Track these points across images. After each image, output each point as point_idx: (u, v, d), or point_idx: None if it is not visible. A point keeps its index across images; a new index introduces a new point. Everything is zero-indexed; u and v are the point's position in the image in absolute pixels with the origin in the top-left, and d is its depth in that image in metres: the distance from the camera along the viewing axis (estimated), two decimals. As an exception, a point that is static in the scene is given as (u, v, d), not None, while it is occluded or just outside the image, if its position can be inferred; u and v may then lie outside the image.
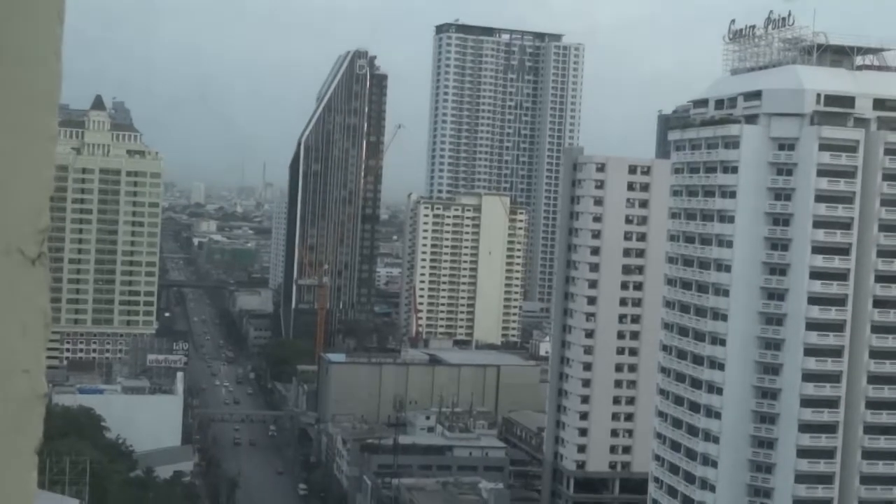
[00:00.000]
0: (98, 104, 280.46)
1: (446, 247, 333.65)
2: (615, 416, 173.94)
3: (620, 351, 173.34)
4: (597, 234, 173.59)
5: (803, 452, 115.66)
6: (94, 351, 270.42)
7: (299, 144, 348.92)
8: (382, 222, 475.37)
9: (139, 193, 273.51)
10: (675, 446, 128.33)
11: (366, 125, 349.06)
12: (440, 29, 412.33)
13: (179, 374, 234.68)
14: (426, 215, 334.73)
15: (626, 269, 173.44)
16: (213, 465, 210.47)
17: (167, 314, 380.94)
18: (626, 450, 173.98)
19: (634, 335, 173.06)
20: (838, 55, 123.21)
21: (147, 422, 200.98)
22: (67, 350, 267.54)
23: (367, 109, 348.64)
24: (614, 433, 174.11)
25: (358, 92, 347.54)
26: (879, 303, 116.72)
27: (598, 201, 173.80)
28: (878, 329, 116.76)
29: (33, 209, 2.73)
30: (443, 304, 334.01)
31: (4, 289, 2.63)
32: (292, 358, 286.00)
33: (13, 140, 2.68)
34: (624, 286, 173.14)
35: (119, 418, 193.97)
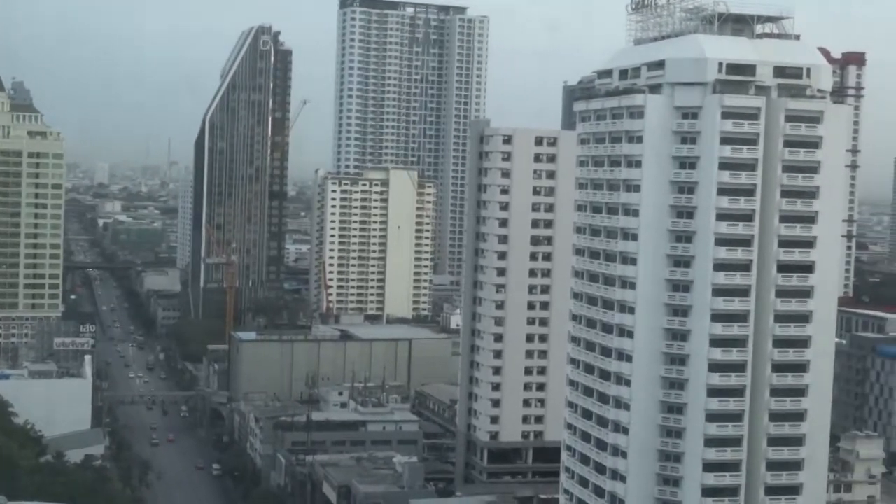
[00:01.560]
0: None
1: (355, 222, 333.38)
2: (527, 387, 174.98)
3: (531, 322, 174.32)
4: (505, 207, 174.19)
5: (712, 416, 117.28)
6: (0, 335, 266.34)
7: (204, 122, 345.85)
8: (290, 199, 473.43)
9: (41, 175, 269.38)
10: (587, 414, 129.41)
11: (271, 101, 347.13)
12: (344, 3, 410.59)
13: (87, 357, 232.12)
14: (334, 191, 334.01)
15: (535, 241, 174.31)
16: (125, 447, 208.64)
17: (73, 297, 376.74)
18: (539, 419, 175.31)
19: (545, 306, 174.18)
20: (739, 24, 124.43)
21: (56, 406, 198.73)
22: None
23: (272, 85, 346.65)
24: (527, 403, 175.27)
25: (262, 68, 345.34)
26: (783, 267, 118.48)
27: (506, 173, 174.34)
28: (783, 293, 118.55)
29: None
30: (353, 280, 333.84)
31: None
32: (202, 337, 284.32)
33: None
34: (533, 257, 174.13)
35: (27, 403, 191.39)
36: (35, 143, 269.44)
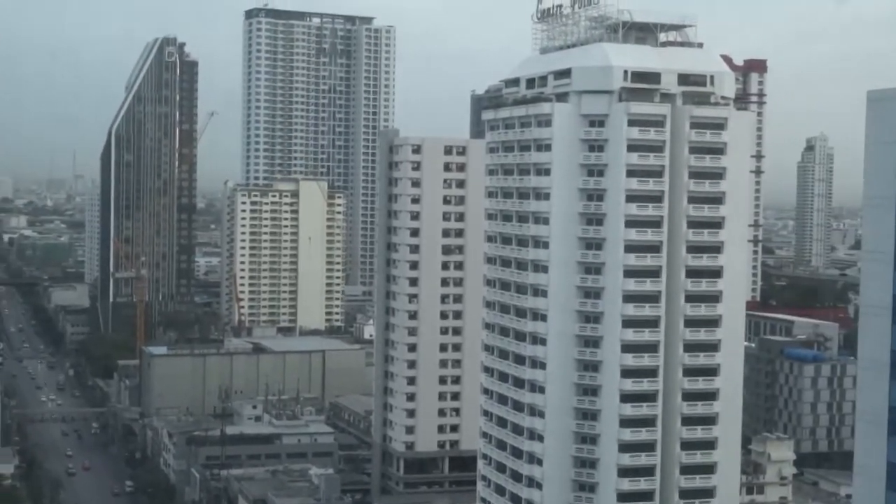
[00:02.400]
0: None
1: (265, 234, 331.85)
2: (442, 396, 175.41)
3: (444, 331, 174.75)
4: (416, 216, 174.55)
5: (626, 422, 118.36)
6: None
7: (110, 134, 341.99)
8: (199, 211, 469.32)
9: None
10: (502, 422, 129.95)
11: (178, 113, 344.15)
12: (250, 14, 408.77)
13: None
14: (244, 203, 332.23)
15: (447, 250, 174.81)
16: (36, 466, 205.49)
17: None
18: (455, 428, 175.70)
19: (457, 315, 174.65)
20: (643, 32, 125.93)
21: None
22: None
23: (178, 97, 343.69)
24: (442, 413, 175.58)
25: (168, 80, 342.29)
26: (692, 272, 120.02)
27: (416, 183, 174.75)
28: (692, 298, 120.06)
29: None
30: (265, 292, 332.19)
31: None
32: (112, 353, 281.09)
33: None
34: (445, 266, 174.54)
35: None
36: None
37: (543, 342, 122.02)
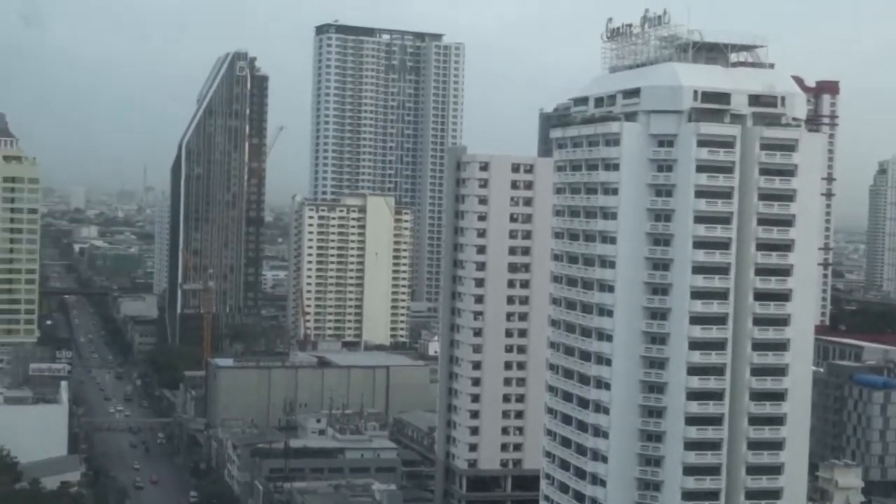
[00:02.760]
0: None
1: (332, 248, 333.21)
2: (506, 414, 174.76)
3: (509, 349, 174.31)
4: (482, 233, 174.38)
5: (691, 445, 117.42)
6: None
7: (180, 148, 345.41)
8: (267, 225, 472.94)
9: (17, 199, 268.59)
10: (566, 442, 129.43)
11: (247, 127, 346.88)
12: (320, 30, 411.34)
13: (63, 383, 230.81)
14: (311, 217, 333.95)
15: (513, 268, 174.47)
16: (102, 474, 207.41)
17: (49, 322, 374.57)
18: (518, 447, 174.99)
19: (522, 333, 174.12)
20: (713, 52, 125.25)
21: (31, 432, 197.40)
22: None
23: (248, 111, 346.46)
24: (505, 431, 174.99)
25: (239, 94, 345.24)
26: (760, 296, 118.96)
27: (483, 200, 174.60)
28: (760, 321, 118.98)
29: None
30: (330, 306, 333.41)
31: None
32: (179, 364, 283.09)
33: None
34: (511, 284, 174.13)
35: (2, 429, 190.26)
36: (10, 167, 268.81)
37: (608, 362, 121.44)
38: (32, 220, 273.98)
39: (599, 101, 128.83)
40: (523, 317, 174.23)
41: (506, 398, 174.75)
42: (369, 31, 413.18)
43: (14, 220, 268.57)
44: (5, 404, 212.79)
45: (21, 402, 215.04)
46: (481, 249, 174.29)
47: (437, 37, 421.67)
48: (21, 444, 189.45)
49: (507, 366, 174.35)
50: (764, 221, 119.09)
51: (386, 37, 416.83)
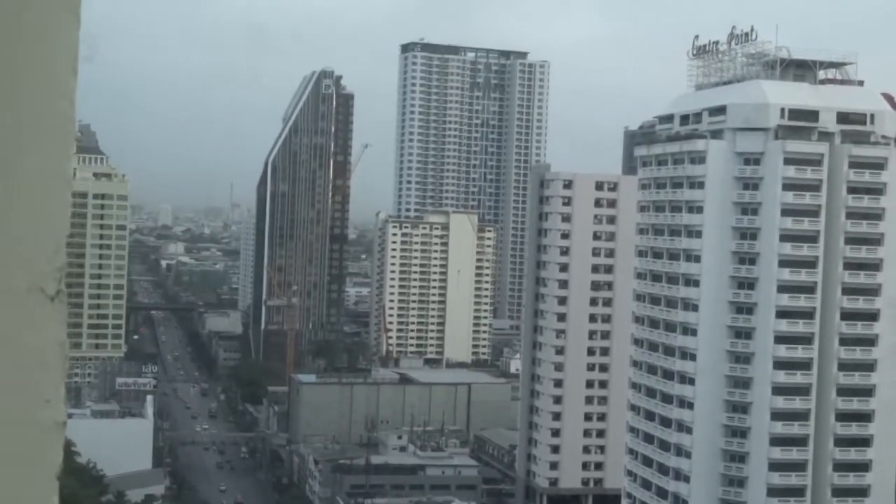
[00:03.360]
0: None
1: (415, 265, 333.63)
2: (587, 433, 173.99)
3: (591, 367, 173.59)
4: (565, 251, 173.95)
5: (775, 466, 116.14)
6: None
7: (266, 165, 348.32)
8: (351, 242, 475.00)
9: (106, 216, 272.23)
10: (647, 461, 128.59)
11: (333, 145, 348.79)
12: (406, 48, 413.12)
13: (149, 398, 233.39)
14: (394, 234, 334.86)
15: (595, 286, 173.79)
16: (185, 487, 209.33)
17: (136, 337, 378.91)
18: (599, 466, 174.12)
19: (604, 351, 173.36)
20: (801, 70, 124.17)
21: (117, 445, 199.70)
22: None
23: (333, 129, 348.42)
24: (586, 449, 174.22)
25: (324, 112, 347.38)
26: (847, 315, 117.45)
27: (566, 218, 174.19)
28: (846, 341, 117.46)
29: (52, 249, 2.97)
30: (412, 323, 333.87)
31: (26, 325, 2.87)
32: (262, 379, 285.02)
33: (33, 188, 2.92)
34: (593, 302, 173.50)
35: (89, 442, 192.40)
36: (100, 184, 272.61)
37: (691, 381, 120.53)
38: (121, 236, 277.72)
39: (685, 119, 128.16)
40: (605, 335, 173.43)
41: (587, 416, 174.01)
42: (454, 49, 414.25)
43: (103, 236, 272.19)
44: (93, 418, 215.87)
45: (108, 416, 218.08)
46: (564, 267, 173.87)
47: (522, 54, 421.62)
48: (107, 457, 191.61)
49: (589, 384, 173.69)
50: (851, 240, 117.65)
51: (471, 55, 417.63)
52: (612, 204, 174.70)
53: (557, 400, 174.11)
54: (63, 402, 3.03)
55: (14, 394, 2.87)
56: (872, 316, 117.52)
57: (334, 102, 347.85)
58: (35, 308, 2.89)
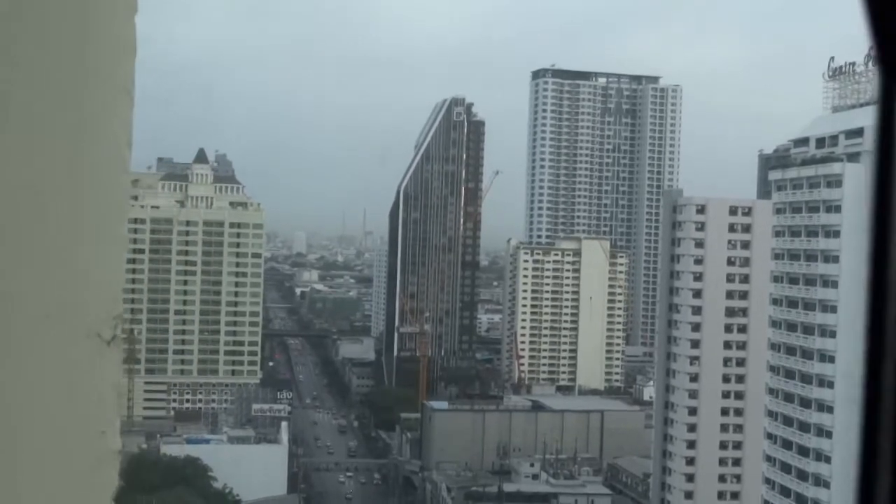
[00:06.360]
0: (201, 157, 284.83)
1: (547, 292, 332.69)
2: (722, 462, 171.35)
3: (726, 395, 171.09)
4: (699, 277, 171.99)
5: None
6: (200, 401, 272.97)
7: (399, 192, 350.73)
8: (482, 268, 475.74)
9: (242, 244, 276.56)
10: (785, 491, 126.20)
11: (464, 172, 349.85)
12: (536, 74, 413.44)
13: (284, 424, 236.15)
14: (526, 261, 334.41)
15: (730, 312, 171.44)
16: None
17: (271, 363, 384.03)
18: (735, 496, 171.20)
19: (740, 378, 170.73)
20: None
21: (253, 471, 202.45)
22: (174, 400, 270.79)
23: (464, 156, 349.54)
24: (722, 478, 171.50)
25: (455, 139, 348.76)
26: None
27: (699, 244, 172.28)
28: None
29: (110, 298, 3.30)
30: (544, 350, 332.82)
31: (84, 367, 3.22)
32: (395, 406, 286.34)
33: (92, 248, 3.23)
34: (728, 329, 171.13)
35: (225, 468, 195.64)
36: (236, 213, 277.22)
37: (830, 409, 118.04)
38: (256, 264, 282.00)
39: (821, 142, 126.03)
40: (740, 362, 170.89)
41: (723, 444, 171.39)
42: (585, 75, 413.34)
43: (239, 264, 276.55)
44: (229, 443, 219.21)
45: (244, 442, 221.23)
46: (697, 293, 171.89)
47: (654, 79, 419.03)
48: (243, 482, 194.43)
49: (724, 412, 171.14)
50: None
51: (602, 80, 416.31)
52: (746, 229, 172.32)
53: (692, 428, 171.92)
54: (117, 433, 3.37)
55: (74, 426, 3.20)
56: None
57: (465, 129, 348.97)
58: (92, 352, 3.23)
